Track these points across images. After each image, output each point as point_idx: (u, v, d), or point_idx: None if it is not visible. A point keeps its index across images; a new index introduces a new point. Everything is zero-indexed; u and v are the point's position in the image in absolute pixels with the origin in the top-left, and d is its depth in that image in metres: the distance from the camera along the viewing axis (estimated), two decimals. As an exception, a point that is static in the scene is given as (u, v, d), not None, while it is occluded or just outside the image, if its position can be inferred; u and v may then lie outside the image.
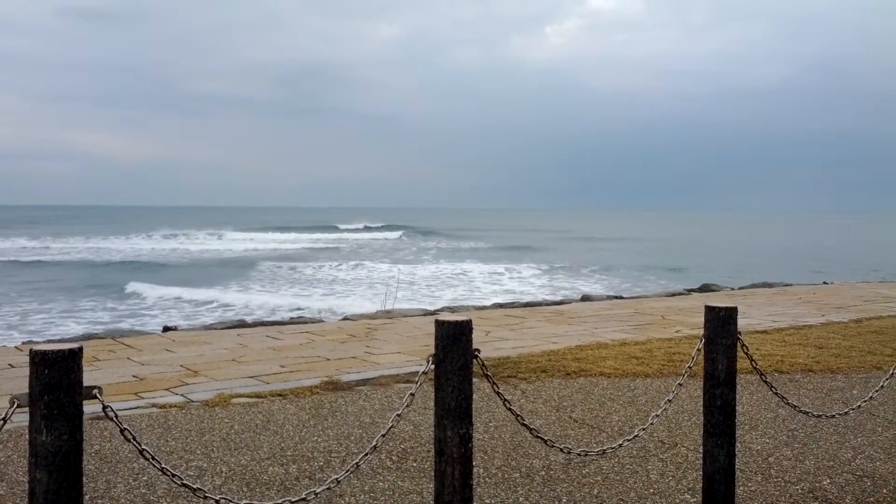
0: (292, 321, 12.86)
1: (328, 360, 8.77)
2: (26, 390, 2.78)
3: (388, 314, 13.51)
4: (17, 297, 26.21)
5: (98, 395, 2.85)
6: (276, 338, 10.31)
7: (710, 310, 4.33)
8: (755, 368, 4.76)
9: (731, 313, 4.30)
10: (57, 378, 2.69)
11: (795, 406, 5.09)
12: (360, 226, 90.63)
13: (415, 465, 5.26)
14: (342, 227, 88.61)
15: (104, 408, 2.96)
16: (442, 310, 15.23)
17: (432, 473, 4.76)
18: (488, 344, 9.61)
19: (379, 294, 25.64)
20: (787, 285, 19.18)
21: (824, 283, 20.43)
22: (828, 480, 5.07)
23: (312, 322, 12.65)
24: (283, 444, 5.66)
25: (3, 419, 2.77)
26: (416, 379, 3.72)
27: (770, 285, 19.05)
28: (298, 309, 21.77)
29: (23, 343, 10.72)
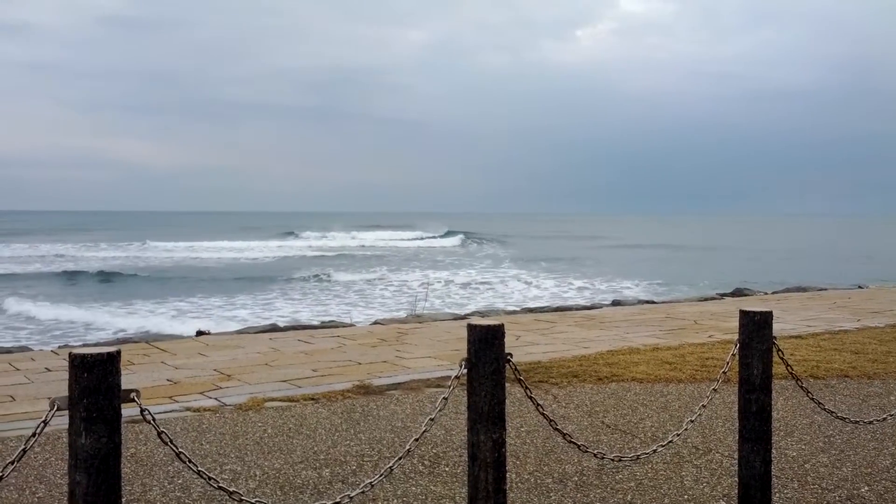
0: (323, 325, 12.92)
1: (359, 364, 8.81)
2: (64, 393, 2.83)
3: (418, 318, 13.53)
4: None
5: (136, 398, 2.88)
6: (307, 342, 10.37)
7: (744, 314, 4.29)
8: (791, 373, 4.71)
9: (766, 317, 4.26)
10: (96, 381, 2.73)
11: (832, 412, 5.02)
12: (417, 234, 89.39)
13: (447, 469, 5.26)
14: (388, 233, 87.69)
15: (142, 411, 2.99)
16: (472, 314, 15.22)
17: (464, 478, 4.76)
18: (519, 349, 9.59)
19: (409, 298, 25.70)
20: (821, 290, 18.93)
21: (859, 287, 20.13)
22: (866, 488, 4.99)
23: (343, 326, 12.70)
24: (315, 448, 5.69)
25: (44, 422, 2.81)
26: (449, 383, 3.72)
27: (804, 289, 18.82)
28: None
29: (58, 347, 10.87)
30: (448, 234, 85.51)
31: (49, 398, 2.88)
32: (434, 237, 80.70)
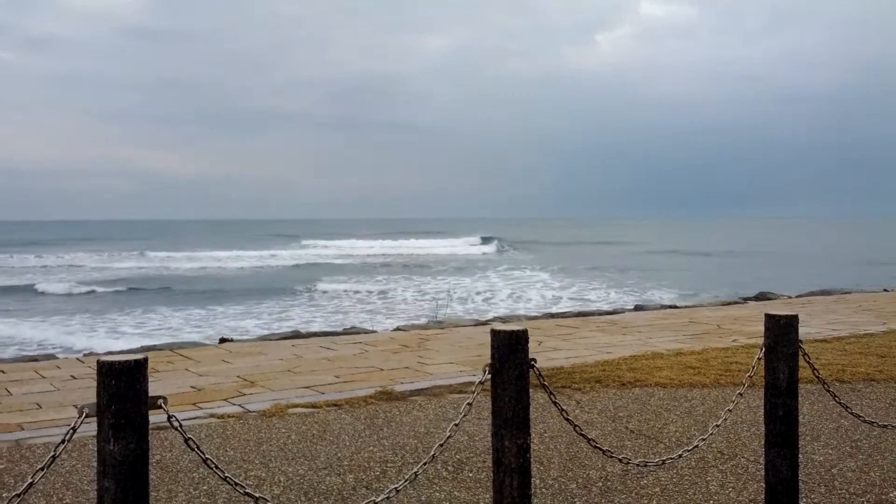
0: (345, 332, 12.97)
1: (382, 370, 8.82)
2: (90, 401, 2.85)
3: (439, 324, 13.54)
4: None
5: (163, 405, 2.90)
6: (329, 348, 10.40)
7: (770, 318, 4.26)
8: (817, 377, 4.67)
9: (791, 321, 4.22)
10: (123, 388, 2.75)
11: (859, 416, 4.97)
12: (439, 240, 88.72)
13: (471, 475, 5.25)
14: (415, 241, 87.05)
15: (169, 418, 3.02)
16: (493, 320, 15.20)
17: (488, 484, 4.75)
18: (541, 354, 9.56)
19: (430, 304, 25.68)
20: (845, 293, 18.76)
21: (885, 290, 19.92)
22: (895, 493, 4.93)
23: (365, 333, 12.73)
24: (339, 454, 5.70)
25: (73, 428, 2.84)
26: (473, 388, 3.72)
27: (828, 293, 18.65)
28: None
29: (84, 355, 10.97)
30: (468, 238, 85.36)
31: (75, 405, 2.91)
32: (459, 242, 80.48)
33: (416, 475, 3.67)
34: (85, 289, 34.26)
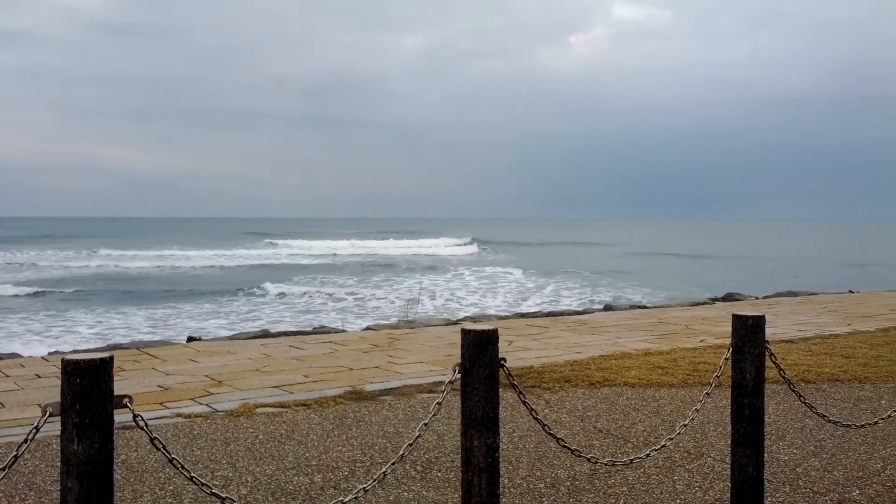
0: (315, 331, 12.91)
1: (351, 369, 8.79)
2: (55, 399, 2.81)
3: (410, 324, 13.52)
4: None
5: (128, 404, 2.87)
6: (299, 348, 10.35)
7: (737, 318, 4.30)
8: (783, 377, 4.72)
9: (758, 322, 4.27)
10: (88, 387, 2.71)
11: (823, 416, 5.03)
12: (412, 241, 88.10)
13: (439, 475, 5.25)
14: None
15: (134, 417, 2.98)
16: (464, 319, 15.21)
17: (457, 483, 4.75)
18: (511, 354, 9.58)
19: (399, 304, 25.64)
20: (812, 294, 19.01)
21: (850, 291, 20.22)
22: (857, 491, 5.00)
23: (335, 332, 12.68)
24: (307, 454, 5.67)
25: (36, 427, 2.79)
26: (443, 388, 3.71)
27: (795, 294, 18.89)
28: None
29: (49, 354, 10.82)
30: (444, 239, 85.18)
31: (39, 404, 2.87)
32: (434, 242, 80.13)
33: (385, 475, 3.66)
34: (29, 290, 31.96)
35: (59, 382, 2.79)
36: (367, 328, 13.50)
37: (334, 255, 63.07)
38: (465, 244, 78.85)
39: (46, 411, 2.77)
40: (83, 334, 20.09)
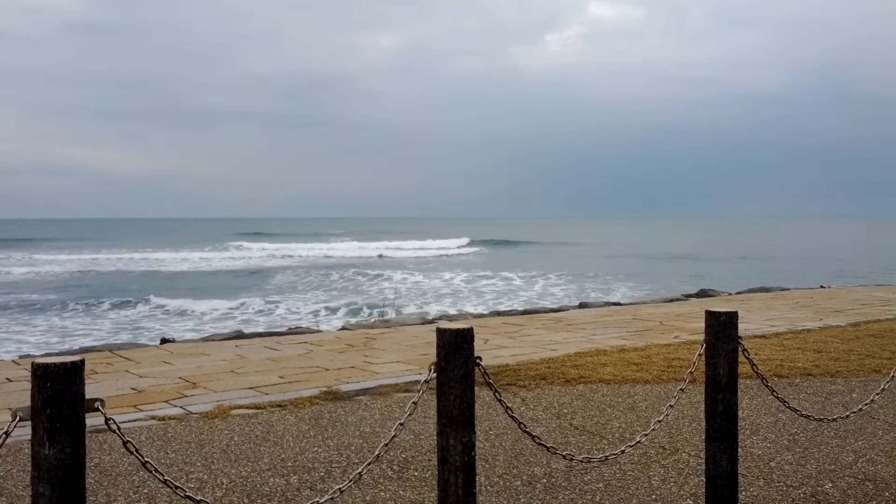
0: (290, 331, 12.85)
1: (327, 370, 8.76)
2: (26, 404, 2.77)
3: (386, 323, 13.51)
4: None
5: (100, 407, 2.84)
6: (274, 348, 10.30)
7: (710, 315, 4.33)
8: (756, 373, 4.76)
9: (731, 318, 4.30)
10: (59, 391, 2.68)
11: (796, 410, 5.09)
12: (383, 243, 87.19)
13: (416, 474, 5.24)
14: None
15: (106, 420, 2.95)
16: (440, 318, 15.21)
17: (433, 482, 4.75)
18: (487, 352, 9.60)
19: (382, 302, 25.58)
20: (784, 289, 19.21)
21: (822, 287, 20.46)
22: (829, 484, 5.06)
23: (311, 332, 12.63)
24: (283, 455, 5.64)
25: (6, 433, 2.76)
26: (418, 387, 3.71)
27: (767, 290, 19.08)
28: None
29: (20, 357, 10.69)
30: (419, 241, 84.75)
31: (10, 409, 2.83)
32: (410, 244, 79.72)
33: (361, 475, 3.65)
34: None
35: (29, 386, 2.75)
36: (343, 328, 13.47)
37: (313, 255, 62.61)
38: (440, 242, 78.62)
39: (17, 416, 2.73)
40: None
